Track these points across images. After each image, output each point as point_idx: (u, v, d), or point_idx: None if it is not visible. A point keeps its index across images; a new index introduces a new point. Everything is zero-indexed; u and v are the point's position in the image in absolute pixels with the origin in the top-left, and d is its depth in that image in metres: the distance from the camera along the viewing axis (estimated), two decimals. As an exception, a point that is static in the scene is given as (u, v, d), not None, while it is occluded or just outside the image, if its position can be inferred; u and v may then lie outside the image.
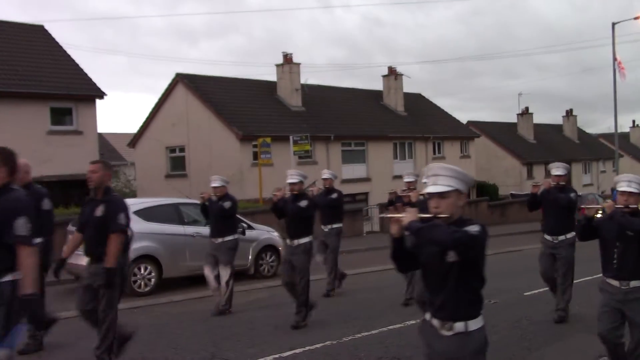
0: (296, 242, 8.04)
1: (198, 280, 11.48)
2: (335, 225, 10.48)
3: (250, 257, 12.25)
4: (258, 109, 28.35)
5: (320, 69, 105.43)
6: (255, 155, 24.17)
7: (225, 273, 8.87)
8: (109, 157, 41.20)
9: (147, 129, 29.88)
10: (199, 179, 26.18)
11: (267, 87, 30.65)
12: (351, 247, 17.74)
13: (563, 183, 7.99)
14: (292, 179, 8.03)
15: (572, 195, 7.88)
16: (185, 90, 27.83)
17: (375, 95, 35.64)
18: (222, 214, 8.88)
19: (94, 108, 22.00)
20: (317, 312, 8.91)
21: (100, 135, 32.40)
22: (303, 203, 7.96)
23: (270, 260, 12.66)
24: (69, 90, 21.22)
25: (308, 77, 44.72)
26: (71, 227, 11.33)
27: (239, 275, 12.08)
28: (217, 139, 26.27)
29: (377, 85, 41.08)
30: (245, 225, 12.36)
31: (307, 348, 6.82)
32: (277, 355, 6.56)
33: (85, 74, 22.46)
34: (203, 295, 10.43)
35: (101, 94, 21.96)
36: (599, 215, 5.63)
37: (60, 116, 21.21)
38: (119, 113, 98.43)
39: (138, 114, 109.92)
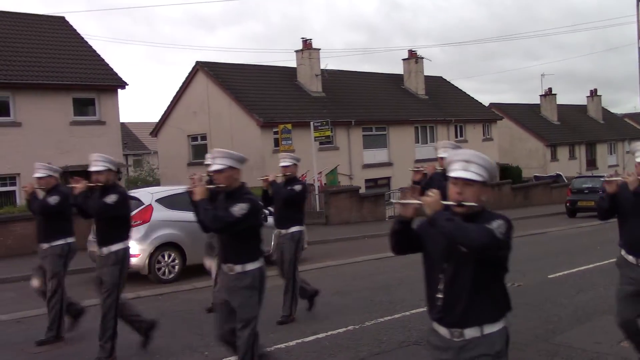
0: (284, 231, 7.58)
1: (221, 267, 11.59)
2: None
3: (273, 243, 12.28)
4: (278, 95, 28.35)
5: (340, 54, 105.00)
6: (276, 142, 24.20)
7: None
8: (132, 146, 41.68)
9: (168, 117, 30.06)
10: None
11: (287, 73, 30.61)
12: (373, 232, 17.74)
13: None
14: (285, 162, 7.61)
15: None
16: (206, 78, 27.91)
17: (396, 79, 35.40)
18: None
19: (116, 98, 22.18)
20: (340, 298, 8.94)
21: (123, 124, 32.70)
22: (297, 187, 7.50)
23: (293, 246, 12.68)
24: (91, 81, 21.42)
25: (327, 63, 44.58)
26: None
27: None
28: (238, 126, 26.34)
29: (397, 69, 40.85)
30: (267, 212, 12.40)
31: (330, 333, 6.85)
32: (300, 340, 6.60)
33: (107, 65, 22.63)
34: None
35: (123, 84, 22.12)
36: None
37: (82, 107, 21.44)
38: (141, 102, 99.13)
39: (159, 102, 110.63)
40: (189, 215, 11.85)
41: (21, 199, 18.47)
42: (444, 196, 5.70)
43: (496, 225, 2.96)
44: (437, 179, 6.25)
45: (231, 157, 4.70)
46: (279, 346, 6.37)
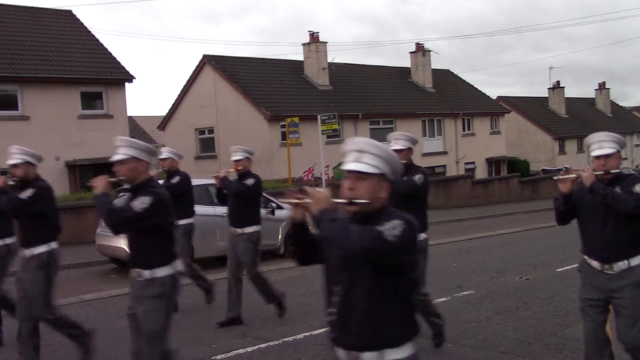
0: (239, 230, 6.95)
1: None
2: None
3: (279, 236, 12.31)
4: (285, 88, 28.33)
5: (347, 47, 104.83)
6: (284, 135, 24.20)
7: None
8: (140, 140, 41.61)
9: (176, 111, 30.10)
10: (229, 160, 26.27)
11: (294, 67, 30.58)
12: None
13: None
14: (236, 155, 7.02)
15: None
16: (213, 72, 27.91)
17: (403, 72, 35.30)
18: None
19: (123, 92, 22.22)
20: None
21: (131, 118, 32.75)
22: (249, 181, 6.91)
23: (300, 239, 12.68)
24: (98, 75, 21.47)
25: (335, 56, 44.51)
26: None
27: (270, 254, 12.17)
28: (246, 120, 26.34)
29: (404, 62, 40.73)
30: (274, 205, 12.42)
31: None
32: (307, 334, 6.60)
33: (114, 58, 22.66)
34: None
35: (130, 78, 22.16)
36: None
37: (90, 100, 21.50)
38: (149, 96, 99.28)
39: (167, 96, 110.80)
40: (197, 209, 11.77)
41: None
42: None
43: (389, 226, 2.51)
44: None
45: (136, 146, 4.25)
46: (287, 339, 6.39)
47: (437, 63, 43.94)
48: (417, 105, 32.62)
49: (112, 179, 4.32)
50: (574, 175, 4.19)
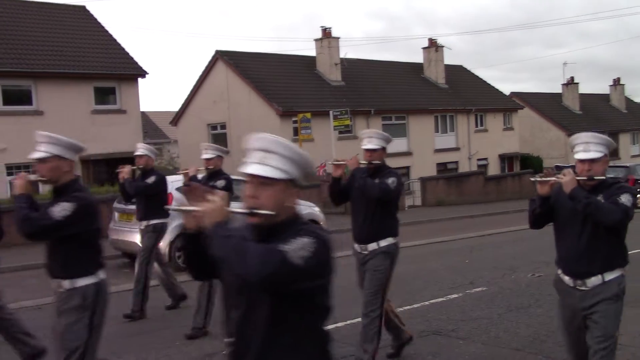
0: None
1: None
2: (153, 221, 7.42)
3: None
4: (298, 84, 28.32)
5: (359, 43, 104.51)
6: (296, 131, 24.20)
7: None
8: (152, 135, 41.91)
9: (188, 106, 30.19)
10: (241, 156, 26.27)
11: (306, 62, 30.55)
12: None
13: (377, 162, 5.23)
14: (207, 153, 6.67)
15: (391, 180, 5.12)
16: (225, 67, 27.95)
17: (416, 68, 35.18)
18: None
19: (136, 87, 22.32)
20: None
21: (143, 113, 32.89)
22: (219, 183, 6.56)
23: (312, 235, 12.71)
24: (111, 70, 21.57)
25: (347, 52, 44.37)
26: (117, 204, 11.57)
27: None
28: (258, 115, 26.37)
29: (417, 58, 40.54)
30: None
31: (349, 322, 6.85)
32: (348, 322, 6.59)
33: (127, 53, 22.76)
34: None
35: (143, 73, 22.24)
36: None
37: (103, 95, 21.61)
38: (161, 91, 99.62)
39: (180, 91, 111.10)
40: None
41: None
42: (343, 196, 5.35)
43: (297, 245, 2.09)
44: (360, 176, 5.13)
45: (58, 143, 3.85)
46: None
47: (449, 59, 43.70)
48: (429, 101, 32.50)
49: (36, 179, 3.94)
50: (553, 179, 3.83)
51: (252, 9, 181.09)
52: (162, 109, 51.72)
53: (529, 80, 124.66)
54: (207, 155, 6.72)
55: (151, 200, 7.38)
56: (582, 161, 3.78)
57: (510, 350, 5.84)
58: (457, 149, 33.23)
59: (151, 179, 7.46)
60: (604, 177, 3.80)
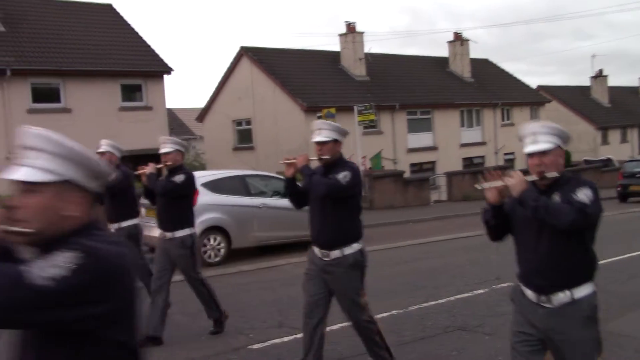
0: (169, 234, 6.07)
1: (266, 250, 11.70)
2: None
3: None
4: (322, 79, 28.31)
5: (384, 38, 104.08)
6: (320, 126, 24.18)
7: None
8: (178, 132, 42.26)
9: (214, 102, 30.38)
10: (266, 151, 26.47)
11: (331, 58, 30.52)
12: (418, 217, 17.65)
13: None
14: (165, 147, 6.10)
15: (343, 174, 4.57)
16: (250, 63, 28.06)
17: (441, 62, 34.93)
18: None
19: (162, 84, 22.51)
20: (384, 282, 8.91)
21: (169, 110, 33.17)
22: (178, 178, 6.03)
23: (337, 230, 12.70)
24: (138, 67, 21.79)
25: (371, 46, 44.25)
26: (143, 200, 11.69)
27: (305, 246, 12.20)
28: (282, 111, 26.43)
29: (442, 52, 40.25)
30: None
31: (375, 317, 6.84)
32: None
33: (153, 51, 22.96)
34: (271, 265, 10.62)
35: (168, 70, 22.43)
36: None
37: (130, 92, 21.84)
38: (187, 88, 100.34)
39: (206, 88, 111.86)
40: (234, 199, 11.90)
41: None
42: (304, 198, 4.85)
43: (50, 262, 1.61)
44: (306, 173, 4.64)
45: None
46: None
47: (475, 52, 43.27)
48: (455, 95, 32.25)
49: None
50: (500, 183, 3.27)
51: (276, 5, 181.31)
52: (188, 105, 52.11)
53: (556, 74, 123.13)
54: (164, 149, 6.11)
55: (118, 200, 6.83)
56: (531, 155, 3.23)
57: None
58: (483, 143, 32.94)
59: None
60: (556, 174, 3.19)
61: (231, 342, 6.16)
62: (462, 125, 32.11)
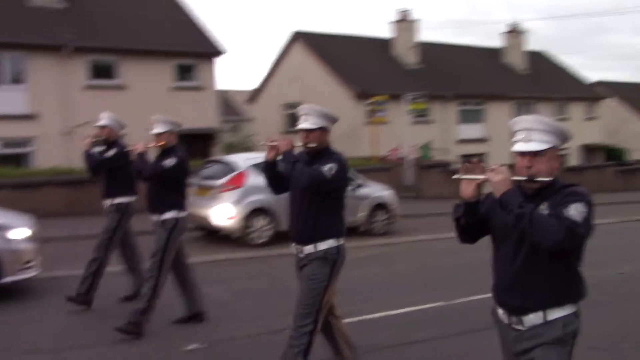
0: (156, 217, 5.83)
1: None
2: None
3: (361, 214, 12.31)
4: (373, 66, 28.10)
5: (437, 26, 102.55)
6: (370, 113, 24.08)
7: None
8: (229, 113, 42.70)
9: (265, 85, 30.52)
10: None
11: (383, 45, 30.26)
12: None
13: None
14: (157, 128, 5.79)
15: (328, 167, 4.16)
16: (302, 47, 28.05)
17: (495, 53, 34.24)
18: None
19: (214, 65, 22.70)
20: (429, 273, 8.82)
21: (221, 91, 33.47)
22: (169, 162, 5.72)
23: (383, 218, 12.64)
24: (190, 48, 22.01)
25: (424, 35, 43.65)
26: (194, 179, 11.84)
27: (350, 232, 12.16)
28: (332, 96, 26.36)
29: (496, 43, 39.43)
30: (357, 182, 12.41)
31: (419, 307, 6.79)
32: (387, 313, 6.58)
33: (206, 32, 23.15)
34: (315, 250, 10.62)
35: (220, 52, 22.59)
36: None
37: (183, 73, 22.10)
38: (240, 70, 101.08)
39: (257, 70, 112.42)
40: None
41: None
42: (283, 184, 4.44)
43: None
44: (288, 160, 4.22)
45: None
46: (364, 317, 6.39)
47: (531, 44, 42.25)
48: (508, 87, 31.58)
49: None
50: (482, 177, 2.81)
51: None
52: (240, 87, 52.48)
53: (617, 69, 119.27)
54: (157, 129, 5.79)
55: (115, 175, 6.65)
56: (521, 155, 2.80)
57: (584, 349, 5.60)
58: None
59: (111, 152, 6.63)
60: (549, 179, 2.77)
61: (273, 324, 6.19)
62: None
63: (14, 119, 18.65)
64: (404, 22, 29.62)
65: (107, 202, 6.69)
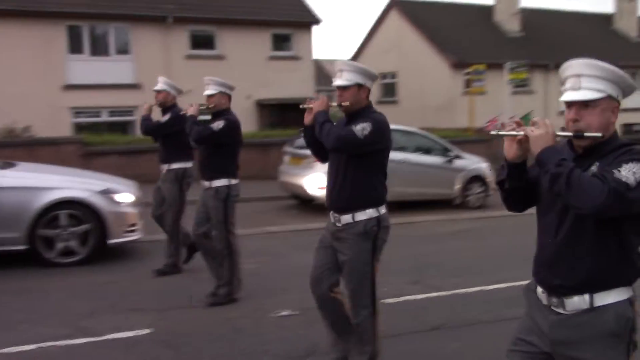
0: (207, 183, 5.66)
1: (404, 206, 11.63)
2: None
3: (456, 186, 12.07)
4: (472, 34, 27.22)
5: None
6: (467, 83, 23.43)
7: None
8: (323, 83, 42.79)
9: (360, 55, 30.29)
10: (410, 105, 26.12)
11: (483, 12, 29.21)
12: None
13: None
14: (208, 89, 5.62)
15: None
16: (398, 16, 27.56)
17: (605, 19, 32.29)
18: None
19: (310, 34, 22.74)
20: (522, 249, 8.54)
21: (316, 61, 33.55)
22: (217, 124, 5.49)
23: (478, 191, 12.34)
24: (287, 17, 22.12)
25: (528, 1, 41.75)
26: (287, 148, 12.00)
27: (445, 204, 12.00)
28: (429, 66, 25.84)
29: (607, 8, 37.16)
30: (453, 154, 12.17)
31: (515, 283, 6.58)
32: (479, 288, 6.45)
33: (303, 1, 23.18)
34: (409, 221, 10.54)
35: (317, 20, 22.57)
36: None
37: (279, 42, 22.29)
38: (334, 39, 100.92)
39: (352, 40, 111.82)
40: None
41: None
42: (324, 149, 4.09)
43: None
44: (319, 120, 3.91)
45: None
46: (458, 291, 6.29)
47: (646, 9, 39.41)
48: (619, 56, 29.64)
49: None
50: (522, 133, 2.35)
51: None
52: (334, 57, 52.38)
53: None
54: (208, 91, 5.59)
55: (169, 141, 6.59)
56: (568, 105, 2.35)
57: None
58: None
59: (165, 117, 6.66)
60: (600, 134, 2.29)
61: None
62: (625, 89, 29.63)
63: (120, 88, 19.49)
64: (506, -13, 28.43)
65: (164, 168, 6.67)
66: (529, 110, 24.84)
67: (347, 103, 3.85)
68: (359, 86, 3.88)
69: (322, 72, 44.83)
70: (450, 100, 24.62)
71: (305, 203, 11.85)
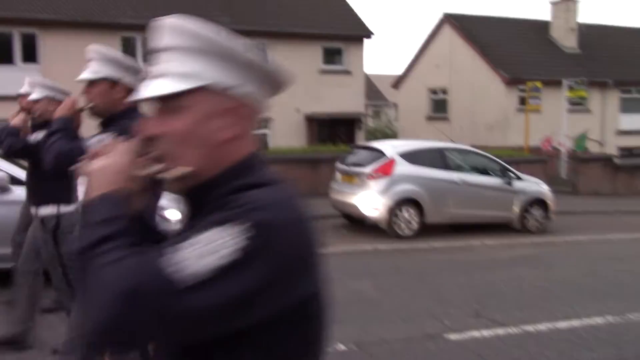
0: (35, 210, 4.29)
1: (460, 229, 11.17)
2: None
3: (515, 209, 11.54)
4: (528, 50, 26.52)
5: (600, 6, 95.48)
6: (522, 100, 22.77)
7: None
8: (373, 97, 42.51)
9: (411, 70, 29.87)
10: (460, 122, 25.55)
11: (539, 27, 28.47)
12: (628, 208, 15.92)
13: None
14: (35, 93, 4.40)
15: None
16: (451, 31, 27.05)
17: (667, 35, 31.10)
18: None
19: (362, 48, 22.47)
20: (592, 280, 8.00)
21: (365, 75, 33.32)
22: (35, 137, 4.35)
23: (539, 216, 11.76)
24: (339, 31, 21.91)
25: (586, 16, 40.66)
26: (339, 165, 11.66)
27: (503, 228, 11.49)
28: (481, 82, 25.25)
29: (670, 24, 35.83)
30: (513, 175, 11.66)
31: (586, 322, 6.10)
32: (550, 325, 5.97)
33: (355, 14, 22.96)
34: (464, 245, 10.11)
35: (369, 34, 22.30)
36: None
37: (330, 56, 22.08)
38: (384, 54, 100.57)
39: (403, 55, 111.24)
40: (431, 172, 11.42)
41: (273, 141, 19.75)
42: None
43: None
44: (54, 126, 3.23)
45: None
46: (527, 328, 5.82)
47: None
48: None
49: None
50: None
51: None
52: (383, 72, 52.07)
53: None
54: (34, 95, 4.41)
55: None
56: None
57: None
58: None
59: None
60: (189, 170, 1.24)
61: (424, 327, 5.80)
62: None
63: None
64: (564, 2, 27.63)
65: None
66: (585, 130, 24.05)
67: (96, 104, 2.98)
68: (112, 82, 2.98)
69: (372, 87, 44.57)
70: (503, 118, 23.98)
71: (355, 223, 11.48)
